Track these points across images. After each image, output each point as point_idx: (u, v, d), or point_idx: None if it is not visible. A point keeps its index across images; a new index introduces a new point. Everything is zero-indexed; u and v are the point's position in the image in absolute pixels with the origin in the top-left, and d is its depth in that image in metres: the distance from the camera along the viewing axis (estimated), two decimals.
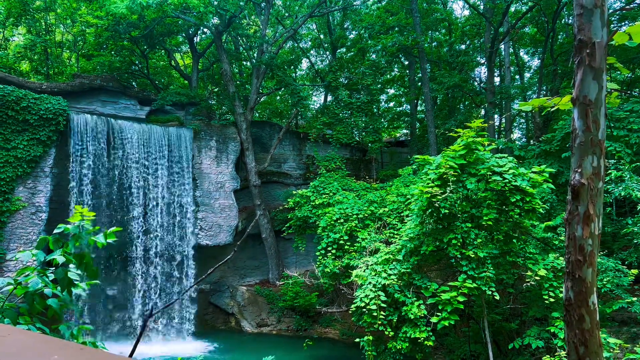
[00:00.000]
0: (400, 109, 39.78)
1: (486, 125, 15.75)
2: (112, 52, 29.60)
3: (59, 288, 2.59)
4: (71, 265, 2.70)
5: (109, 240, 2.73)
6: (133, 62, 30.61)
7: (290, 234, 26.49)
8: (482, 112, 33.48)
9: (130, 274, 23.40)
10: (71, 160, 21.97)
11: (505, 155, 15.18)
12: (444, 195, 13.94)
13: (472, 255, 13.95)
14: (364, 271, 16.66)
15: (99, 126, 22.78)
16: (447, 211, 14.15)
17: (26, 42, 27.93)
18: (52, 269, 2.62)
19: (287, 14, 34.07)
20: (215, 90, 34.54)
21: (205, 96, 29.89)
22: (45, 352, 1.19)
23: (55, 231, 2.76)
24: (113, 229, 2.75)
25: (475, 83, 35.79)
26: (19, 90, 20.88)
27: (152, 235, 23.90)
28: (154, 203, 24.06)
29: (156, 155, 24.23)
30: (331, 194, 24.57)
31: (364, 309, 15.46)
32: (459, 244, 14.30)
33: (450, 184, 13.97)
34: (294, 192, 25.91)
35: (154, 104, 25.62)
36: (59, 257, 2.55)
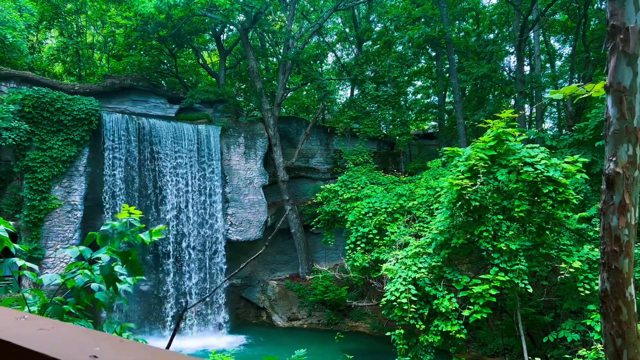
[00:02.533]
0: (428, 100, 39.39)
1: (516, 115, 15.48)
2: (141, 52, 30.13)
3: (102, 286, 2.69)
4: (118, 261, 2.79)
5: (155, 238, 2.82)
6: (162, 61, 31.10)
7: (319, 229, 26.58)
8: (512, 102, 32.91)
9: (163, 270, 23.87)
10: (104, 159, 22.49)
11: (537, 145, 14.92)
12: (474, 187, 13.79)
13: (504, 248, 13.79)
14: (394, 265, 16.63)
15: (130, 125, 23.24)
16: (477, 203, 13.99)
17: (59, 45, 28.69)
18: (100, 262, 2.72)
19: (312, 9, 34.07)
20: (243, 87, 34.85)
21: (232, 93, 30.18)
22: (87, 343, 1.25)
23: (103, 228, 2.86)
24: (159, 227, 2.83)
25: (505, 73, 35.17)
26: (53, 92, 21.46)
27: (183, 231, 24.30)
28: (185, 199, 24.45)
29: (186, 152, 24.61)
30: (359, 187, 24.55)
31: (395, 303, 15.44)
32: (490, 237, 14.14)
33: (481, 175, 13.80)
34: (322, 187, 25.97)
35: (183, 102, 26.01)
36: (103, 255, 2.64)
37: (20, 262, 2.62)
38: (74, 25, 30.05)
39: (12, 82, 21.68)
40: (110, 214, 22.37)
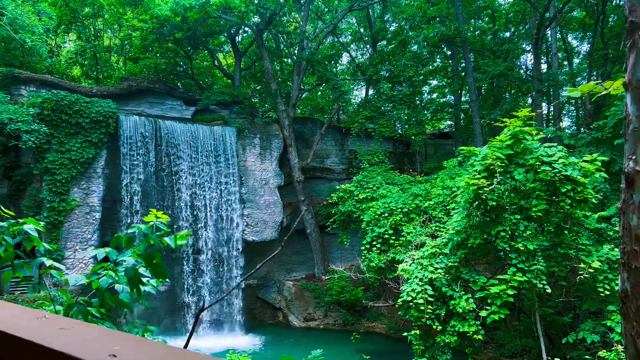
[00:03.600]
0: (444, 100, 39.16)
1: (534, 114, 15.33)
2: (158, 55, 30.44)
3: (126, 288, 2.74)
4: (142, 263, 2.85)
5: (180, 243, 2.87)
6: (178, 63, 31.38)
7: (334, 229, 26.59)
8: (529, 100, 32.56)
9: (180, 270, 24.07)
10: (121, 160, 22.75)
11: (555, 144, 14.76)
12: (491, 187, 13.70)
13: (522, 248, 13.67)
14: (410, 265, 16.57)
15: (147, 127, 23.48)
16: (494, 203, 13.89)
17: (77, 48, 29.10)
18: (124, 264, 2.77)
19: (326, 9, 34.08)
20: (258, 88, 35.00)
21: (248, 94, 30.36)
22: (107, 342, 1.28)
23: (129, 231, 2.92)
24: (184, 232, 2.89)
25: (522, 71, 34.82)
26: (71, 95, 21.78)
27: (200, 232, 24.49)
28: (201, 200, 24.64)
29: (202, 154, 24.80)
30: (375, 188, 24.50)
31: (411, 303, 15.39)
32: (507, 236, 14.03)
33: (498, 175, 13.70)
34: (338, 187, 25.98)
35: (199, 104, 26.22)
36: (128, 258, 2.69)
37: (48, 262, 2.68)
38: (92, 29, 30.47)
39: (31, 85, 22.07)
40: (128, 214, 22.63)
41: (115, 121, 22.49)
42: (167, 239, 2.88)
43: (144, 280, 2.78)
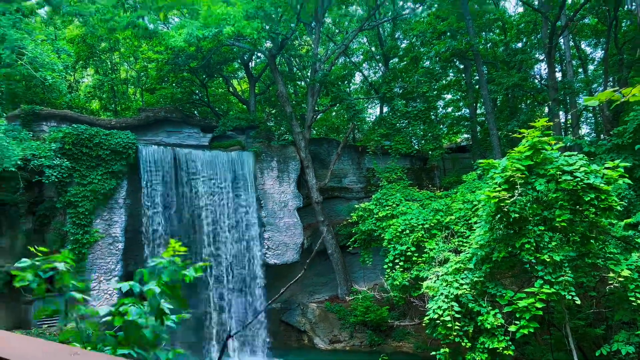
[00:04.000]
0: (459, 113, 39.05)
1: (551, 123, 15.18)
2: (174, 84, 31.02)
3: (150, 319, 2.78)
4: (163, 296, 2.88)
5: (198, 274, 2.91)
6: (193, 91, 31.91)
7: (355, 248, 26.45)
8: (546, 110, 32.31)
9: (202, 297, 24.10)
10: (142, 190, 23.03)
11: (575, 152, 14.57)
12: (512, 199, 13.54)
13: (548, 259, 13.43)
14: (435, 282, 16.37)
15: (166, 156, 23.80)
16: (517, 215, 13.71)
17: (95, 82, 29.80)
18: (147, 288, 2.81)
19: (337, 31, 34.48)
20: (273, 112, 35.36)
21: (263, 119, 30.69)
22: None
23: (150, 264, 2.96)
24: (201, 263, 2.93)
25: (536, 81, 34.63)
26: (91, 128, 22.22)
27: (222, 258, 24.56)
28: (222, 226, 24.77)
29: (221, 179, 25.01)
30: (394, 205, 24.39)
31: (438, 321, 15.17)
32: (532, 248, 13.81)
33: (518, 186, 13.55)
34: (357, 206, 25.91)
35: (216, 131, 26.54)
36: (154, 287, 2.72)
37: (78, 296, 2.73)
38: (109, 63, 31.21)
39: (52, 121, 22.58)
40: (150, 244, 22.81)
41: (134, 151, 22.84)
42: (186, 272, 2.92)
43: (166, 312, 2.80)
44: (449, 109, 39.52)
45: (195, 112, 32.39)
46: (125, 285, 2.79)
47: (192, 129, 26.04)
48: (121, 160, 22.48)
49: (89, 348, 2.63)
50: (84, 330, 2.77)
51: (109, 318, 2.73)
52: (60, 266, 2.70)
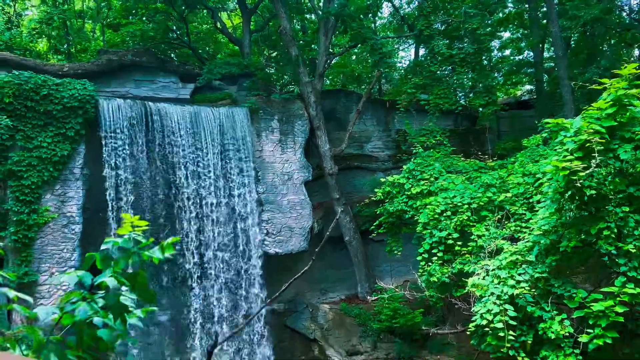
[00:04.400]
0: (520, 57, 38.56)
1: None
2: (144, 19, 30.84)
3: (110, 316, 2.78)
4: (123, 288, 2.89)
5: (167, 255, 2.90)
6: (170, 28, 31.73)
7: (380, 235, 26.48)
8: (636, 52, 31.75)
9: (184, 294, 24.44)
10: (104, 157, 23.14)
11: None
12: (588, 171, 13.43)
13: (633, 250, 13.39)
14: (484, 278, 16.41)
15: (135, 112, 23.82)
16: (593, 192, 13.62)
17: (41, 16, 29.70)
18: (101, 292, 2.80)
19: None
20: (273, 55, 35.14)
21: (261, 64, 30.52)
22: None
23: (103, 247, 2.95)
24: (170, 239, 2.92)
25: (624, 14, 33.96)
26: (37, 76, 22.24)
27: (208, 245, 24.78)
28: (208, 204, 24.91)
29: (206, 144, 25.03)
30: (432, 178, 24.31)
31: (487, 329, 15.26)
32: (613, 236, 13.76)
33: (596, 154, 13.42)
34: (383, 180, 25.86)
35: (199, 80, 26.47)
36: (108, 279, 2.73)
37: (11, 293, 2.74)
38: None
39: None
40: (115, 226, 23.03)
41: (94, 107, 22.87)
42: (151, 252, 2.90)
43: (129, 307, 2.81)
44: (507, 52, 39.01)
45: (173, 55, 32.28)
46: (73, 277, 2.80)
47: (169, 78, 26.00)
48: (77, 118, 22.55)
49: (31, 356, 2.65)
50: (28, 337, 2.80)
51: (55, 317, 2.75)
52: None
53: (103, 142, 23.16)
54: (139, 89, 25.35)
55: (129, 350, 22.64)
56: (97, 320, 2.70)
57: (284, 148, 27.28)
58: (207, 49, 34.77)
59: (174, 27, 32.23)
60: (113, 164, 23.29)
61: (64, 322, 2.69)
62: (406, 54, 42.45)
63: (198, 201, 24.80)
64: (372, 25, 36.64)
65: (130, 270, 2.92)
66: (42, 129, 22.13)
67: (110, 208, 23.09)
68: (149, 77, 25.60)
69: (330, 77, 38.99)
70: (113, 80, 24.90)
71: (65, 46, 30.88)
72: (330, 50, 30.19)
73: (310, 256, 26.11)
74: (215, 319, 24.73)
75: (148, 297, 2.89)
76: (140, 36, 28.99)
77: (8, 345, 2.63)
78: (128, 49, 26.47)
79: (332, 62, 34.35)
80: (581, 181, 13.43)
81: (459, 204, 21.52)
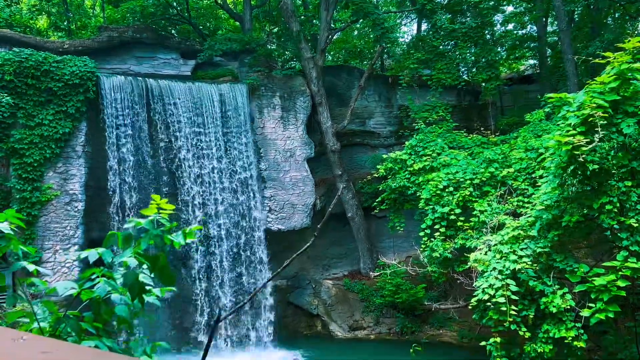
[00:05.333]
0: (523, 32, 38.30)
1: None
2: None
3: (128, 295, 2.83)
4: (143, 267, 2.93)
5: (188, 240, 2.94)
6: (170, 4, 31.51)
7: (383, 211, 26.60)
8: None
9: (188, 272, 24.60)
10: (106, 134, 23.17)
11: None
12: (591, 146, 13.45)
13: (635, 225, 13.47)
14: (486, 254, 16.52)
15: (136, 89, 23.81)
16: (596, 167, 13.66)
17: None
18: (120, 270, 2.85)
19: None
20: (275, 31, 34.94)
21: (262, 40, 30.36)
22: None
23: (126, 226, 2.99)
24: (194, 226, 2.96)
25: None
26: (38, 53, 22.18)
27: (210, 222, 24.88)
28: (210, 181, 24.97)
29: (208, 121, 25.03)
30: (434, 154, 24.34)
31: (489, 303, 15.40)
32: (615, 210, 13.83)
33: (599, 129, 13.43)
34: (385, 156, 25.89)
35: (200, 56, 26.38)
36: (129, 259, 2.77)
37: (31, 267, 2.79)
38: None
39: None
40: (118, 203, 23.12)
41: (94, 84, 22.85)
42: (173, 237, 2.94)
43: (147, 287, 2.86)
44: (510, 26, 38.74)
45: (173, 31, 32.12)
46: (93, 254, 2.85)
47: (169, 54, 25.91)
48: (78, 95, 22.54)
49: (47, 334, 2.71)
50: (44, 311, 2.85)
51: (73, 293, 2.80)
52: (5, 228, 2.75)
53: (105, 119, 23.18)
54: (140, 66, 25.28)
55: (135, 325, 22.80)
56: (114, 297, 2.75)
57: (285, 125, 27.25)
58: (208, 24, 34.58)
59: (174, 3, 32.02)
60: (115, 141, 23.32)
61: (83, 297, 2.75)
62: (408, 29, 42.24)
63: (200, 178, 24.85)
64: None
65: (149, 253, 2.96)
66: (44, 106, 22.14)
67: (112, 185, 23.17)
68: (150, 54, 25.52)
69: (332, 53, 38.83)
70: (113, 57, 24.83)
71: (65, 23, 30.73)
72: (332, 25, 30.02)
73: (312, 233, 26.26)
74: (218, 295, 24.91)
75: (168, 280, 2.94)
76: (140, 12, 28.83)
77: (27, 317, 2.69)
78: (128, 25, 26.35)
79: (334, 37, 34.14)
80: (584, 156, 13.46)
81: (462, 179, 21.59)
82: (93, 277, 2.86)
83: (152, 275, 2.95)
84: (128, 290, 2.80)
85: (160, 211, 3.01)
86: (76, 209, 22.61)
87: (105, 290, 2.75)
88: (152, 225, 2.91)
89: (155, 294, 3.00)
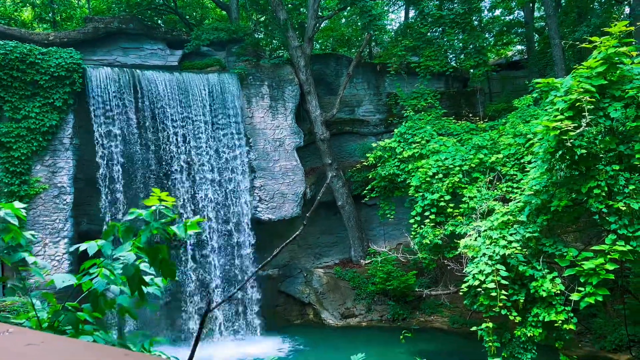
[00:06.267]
0: (511, 17, 38.35)
1: (632, 28, 14.95)
2: None
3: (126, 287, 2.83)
4: (142, 264, 2.94)
5: (191, 232, 2.95)
6: None
7: (373, 199, 26.65)
8: (626, 10, 31.64)
9: (179, 262, 24.58)
10: (94, 126, 23.06)
11: None
12: (578, 130, 13.52)
13: (623, 208, 13.55)
14: (475, 240, 16.60)
15: (123, 80, 23.68)
16: (584, 151, 13.73)
17: None
18: (122, 258, 2.86)
19: None
20: (262, 19, 34.80)
21: (250, 29, 30.23)
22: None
23: (127, 217, 3.00)
24: (195, 218, 2.97)
25: None
26: (23, 46, 22.02)
27: (200, 213, 24.86)
28: (199, 171, 24.93)
29: (196, 111, 24.95)
30: (423, 141, 24.38)
31: (479, 289, 15.49)
32: (603, 194, 13.90)
33: (587, 113, 13.50)
34: (374, 144, 25.93)
35: (187, 46, 26.25)
36: (127, 253, 2.78)
37: (31, 259, 2.80)
38: None
39: None
40: (107, 195, 23.06)
41: (81, 75, 22.72)
42: (174, 228, 2.94)
43: (147, 279, 2.87)
44: (497, 12, 38.76)
45: (160, 21, 31.93)
46: (93, 246, 2.85)
47: (156, 45, 25.77)
48: (64, 87, 22.41)
49: (44, 326, 2.73)
50: (43, 303, 2.86)
51: (74, 283, 2.80)
52: (9, 215, 2.75)
53: (92, 111, 23.06)
54: (127, 57, 25.15)
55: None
56: (114, 288, 2.76)
57: (274, 114, 27.22)
58: (194, 14, 34.41)
59: None
60: (103, 133, 23.22)
61: (85, 287, 2.75)
62: (396, 16, 42.14)
63: (189, 169, 24.82)
64: None
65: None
66: (30, 99, 22.01)
67: (101, 177, 23.09)
68: (136, 45, 25.38)
69: (319, 41, 38.73)
70: (100, 48, 24.68)
71: (50, 14, 30.50)
72: (320, 13, 29.94)
73: (302, 222, 26.30)
74: (208, 285, 24.94)
75: (169, 272, 2.95)
76: (126, 3, 28.68)
77: (26, 309, 2.71)
78: (114, 16, 26.19)
79: (322, 25, 34.08)
80: (572, 140, 13.53)
81: (451, 166, 21.64)
82: (92, 269, 2.87)
83: (152, 270, 2.96)
84: (128, 284, 2.81)
85: (162, 202, 3.01)
86: (65, 202, 22.54)
87: (104, 283, 2.76)
88: (152, 217, 2.92)
89: (157, 284, 3.01)
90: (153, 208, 2.96)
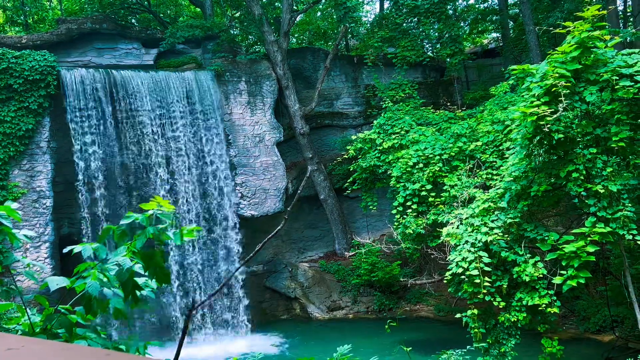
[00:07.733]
0: (485, 5, 38.53)
1: (605, 12, 15.11)
2: None
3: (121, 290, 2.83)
4: (137, 266, 2.94)
5: (186, 239, 2.95)
6: None
7: (355, 191, 26.70)
8: None
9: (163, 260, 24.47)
10: (71, 129, 22.88)
11: (637, 50, 14.58)
12: (555, 115, 13.64)
13: (602, 191, 13.68)
14: (458, 227, 16.70)
15: (98, 81, 23.50)
16: (561, 135, 13.85)
17: None
18: (115, 261, 2.85)
19: None
20: (237, 15, 34.67)
21: (225, 25, 30.11)
22: None
23: (123, 221, 2.98)
24: (193, 227, 2.98)
25: None
26: None
27: (182, 211, 24.79)
28: (179, 171, 24.84)
29: (174, 109, 24.84)
30: (403, 132, 24.46)
31: (463, 276, 15.58)
32: (582, 178, 14.04)
33: (563, 98, 13.61)
34: (354, 137, 25.97)
35: (162, 45, 26.10)
36: (121, 258, 2.78)
37: (26, 261, 2.80)
38: None
39: None
40: (87, 198, 22.91)
41: (56, 78, 22.53)
42: (170, 233, 2.94)
43: (141, 281, 2.86)
44: (471, 0, 38.92)
45: (134, 20, 31.66)
46: (88, 249, 2.85)
47: (131, 44, 25.59)
48: (39, 90, 22.22)
49: (37, 331, 2.73)
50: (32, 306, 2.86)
51: (67, 285, 2.80)
52: (3, 216, 2.74)
53: (68, 113, 22.88)
54: (101, 57, 24.95)
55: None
56: (107, 291, 2.75)
57: (253, 110, 27.16)
58: (169, 12, 34.19)
59: None
60: (80, 135, 23.06)
61: (78, 289, 2.76)
62: (371, 8, 42.19)
63: (169, 168, 24.71)
64: None
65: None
66: (4, 103, 21.81)
67: (80, 180, 22.94)
68: (111, 45, 25.17)
69: (296, 35, 38.66)
70: (74, 50, 24.45)
71: (22, 17, 30.14)
72: (294, 7, 29.88)
73: (284, 216, 26.30)
74: (193, 283, 24.90)
75: (163, 278, 2.96)
76: (98, 3, 28.41)
77: (18, 311, 2.71)
78: (87, 16, 25.91)
79: (297, 19, 34.00)
80: (549, 126, 13.63)
81: (431, 155, 21.73)
82: (85, 272, 2.87)
83: (147, 274, 2.97)
84: (121, 288, 2.82)
85: (160, 207, 3.00)
86: (44, 206, 22.38)
87: (98, 287, 2.76)
88: (149, 221, 2.92)
89: (152, 286, 3.02)
90: (150, 212, 2.96)
